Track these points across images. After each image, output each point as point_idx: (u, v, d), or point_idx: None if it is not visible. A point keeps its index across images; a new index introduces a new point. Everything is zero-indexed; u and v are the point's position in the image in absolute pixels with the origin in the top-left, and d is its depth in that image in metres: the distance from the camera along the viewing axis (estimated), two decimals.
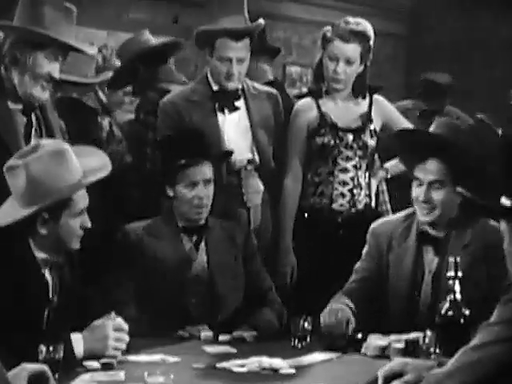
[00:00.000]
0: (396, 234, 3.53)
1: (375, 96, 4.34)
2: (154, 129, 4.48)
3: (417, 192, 3.44)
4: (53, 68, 3.55)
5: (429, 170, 3.40)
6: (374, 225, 3.65)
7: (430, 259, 3.45)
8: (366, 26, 4.23)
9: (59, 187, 3.03)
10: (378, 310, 3.52)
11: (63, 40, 3.52)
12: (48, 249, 3.08)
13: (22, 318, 2.94)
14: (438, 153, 3.38)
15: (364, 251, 3.62)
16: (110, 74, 4.49)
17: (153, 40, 4.78)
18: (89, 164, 3.16)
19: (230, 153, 4.06)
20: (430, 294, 3.42)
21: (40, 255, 3.08)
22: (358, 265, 3.61)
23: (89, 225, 3.12)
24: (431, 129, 3.51)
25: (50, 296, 3.11)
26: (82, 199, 3.10)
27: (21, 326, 2.89)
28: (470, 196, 3.06)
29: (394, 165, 4.38)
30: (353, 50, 4.17)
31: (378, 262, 3.54)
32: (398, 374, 2.61)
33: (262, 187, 4.24)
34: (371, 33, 4.24)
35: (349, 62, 4.17)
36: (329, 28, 4.22)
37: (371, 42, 4.24)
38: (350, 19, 4.23)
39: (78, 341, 2.95)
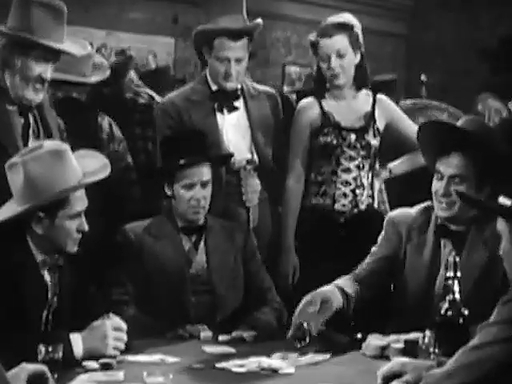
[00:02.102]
0: (415, 226, 3.48)
1: (378, 95, 4.33)
2: (139, 124, 4.50)
3: (436, 186, 3.39)
4: (43, 70, 3.55)
5: (451, 163, 3.34)
6: (391, 214, 3.61)
7: (447, 253, 3.39)
8: (347, 17, 4.23)
9: (56, 187, 3.03)
10: (393, 301, 3.52)
11: (49, 44, 3.52)
12: (45, 250, 3.09)
13: (20, 318, 2.93)
14: (462, 147, 3.32)
15: (380, 237, 3.57)
16: (108, 72, 4.49)
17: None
18: (88, 166, 3.16)
19: (231, 155, 4.06)
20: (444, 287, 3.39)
21: (39, 256, 3.08)
22: (373, 249, 3.57)
23: (86, 228, 3.11)
24: (460, 123, 3.48)
25: (49, 297, 3.11)
26: (79, 201, 3.10)
27: (20, 326, 2.90)
28: (468, 195, 3.06)
29: (397, 165, 4.38)
30: (339, 41, 4.16)
31: (395, 249, 3.50)
32: (398, 374, 2.62)
33: (260, 187, 4.23)
34: (354, 21, 4.22)
35: (340, 54, 4.16)
36: (313, 33, 4.23)
37: (357, 30, 4.22)
38: (330, 17, 4.24)
39: (77, 341, 2.95)
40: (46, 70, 3.56)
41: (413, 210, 3.54)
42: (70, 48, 3.63)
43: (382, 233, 3.58)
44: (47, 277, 3.11)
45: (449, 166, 3.34)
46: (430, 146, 3.47)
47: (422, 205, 3.54)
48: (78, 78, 4.29)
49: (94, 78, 4.39)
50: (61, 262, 3.15)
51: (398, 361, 2.68)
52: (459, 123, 3.45)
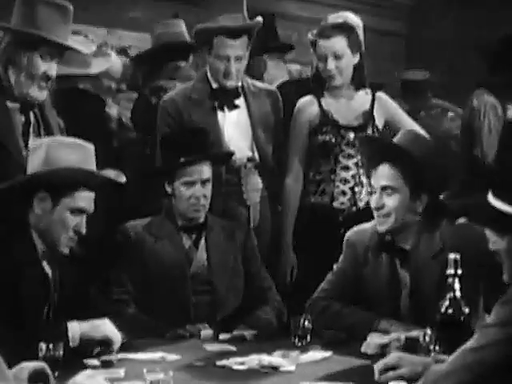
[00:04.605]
0: (371, 246, 3.43)
1: (378, 93, 4.33)
2: (142, 123, 4.51)
3: (371, 199, 3.39)
4: (49, 67, 3.54)
5: (380, 175, 3.34)
6: (349, 233, 3.56)
7: (402, 273, 3.39)
8: (348, 17, 4.23)
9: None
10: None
11: (55, 39, 3.52)
12: (43, 239, 3.08)
13: (21, 308, 2.93)
14: (389, 158, 3.32)
15: (340, 259, 3.55)
16: (112, 59, 4.47)
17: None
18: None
19: (231, 154, 4.05)
20: (409, 308, 3.37)
21: (40, 245, 3.08)
22: (335, 268, 3.56)
23: (83, 231, 3.11)
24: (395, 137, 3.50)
25: (51, 291, 3.10)
26: (85, 199, 3.10)
27: (20, 317, 2.89)
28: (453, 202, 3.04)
29: None
30: (337, 43, 4.16)
31: (353, 273, 3.47)
32: (394, 368, 2.63)
33: (261, 185, 4.23)
34: (355, 21, 4.22)
35: (337, 56, 4.16)
36: (313, 31, 4.23)
37: (358, 31, 4.22)
38: (331, 15, 4.23)
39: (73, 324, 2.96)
40: (51, 68, 3.55)
41: (370, 226, 3.49)
42: (78, 45, 3.64)
43: (341, 256, 3.55)
44: (47, 269, 3.11)
45: (378, 177, 3.35)
46: (364, 162, 3.48)
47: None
48: (81, 69, 4.27)
49: (95, 69, 4.38)
50: (62, 258, 3.15)
51: (394, 355, 2.71)
52: (396, 137, 3.47)
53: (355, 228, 3.57)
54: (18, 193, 3.08)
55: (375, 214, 3.38)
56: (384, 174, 3.33)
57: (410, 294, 3.36)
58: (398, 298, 3.38)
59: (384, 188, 3.34)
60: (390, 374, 2.63)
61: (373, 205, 3.37)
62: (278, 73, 5.15)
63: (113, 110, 4.39)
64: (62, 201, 3.06)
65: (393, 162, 3.32)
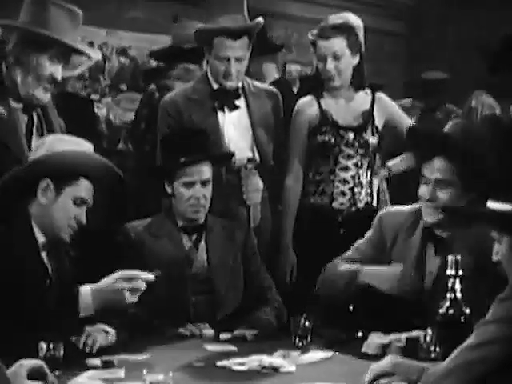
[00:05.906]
0: (403, 228, 3.46)
1: (377, 94, 4.33)
2: (145, 120, 4.50)
3: (423, 190, 3.39)
4: (55, 70, 3.54)
5: (435, 168, 3.34)
6: (382, 213, 3.59)
7: (433, 259, 3.40)
8: (348, 18, 4.21)
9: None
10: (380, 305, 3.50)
11: (69, 43, 3.50)
12: (43, 228, 3.09)
13: (21, 301, 2.92)
14: (445, 152, 3.32)
15: (367, 235, 3.57)
16: (98, 56, 4.48)
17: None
18: None
19: (231, 154, 4.05)
20: (431, 295, 3.35)
21: (40, 236, 3.09)
22: (357, 244, 3.58)
23: (84, 221, 3.13)
24: (446, 128, 3.49)
25: (49, 283, 3.10)
26: (86, 189, 3.13)
27: (20, 311, 2.89)
28: (452, 208, 3.05)
29: (396, 163, 4.37)
30: (337, 44, 4.15)
31: (378, 253, 3.49)
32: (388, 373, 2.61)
33: (261, 185, 4.23)
34: (355, 22, 4.20)
35: (336, 56, 4.16)
36: (313, 31, 4.23)
37: (358, 32, 4.21)
38: (332, 16, 4.22)
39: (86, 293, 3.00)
40: (58, 71, 3.55)
41: (405, 210, 3.51)
42: (89, 51, 3.64)
43: (370, 232, 3.57)
44: (46, 260, 3.11)
45: (433, 170, 3.35)
46: (415, 152, 3.47)
47: (417, 205, 3.51)
48: (71, 72, 4.28)
49: (79, 70, 4.37)
50: (61, 251, 3.15)
51: (390, 360, 2.66)
52: (447, 128, 3.46)
53: (388, 209, 3.60)
54: (20, 183, 3.09)
55: (425, 204, 3.38)
56: (439, 167, 3.33)
57: (433, 282, 3.37)
58: (422, 284, 3.38)
59: (438, 181, 3.34)
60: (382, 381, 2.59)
61: (425, 196, 3.37)
62: (268, 74, 5.17)
63: (101, 111, 4.39)
64: (65, 189, 3.09)
65: (449, 156, 3.32)
